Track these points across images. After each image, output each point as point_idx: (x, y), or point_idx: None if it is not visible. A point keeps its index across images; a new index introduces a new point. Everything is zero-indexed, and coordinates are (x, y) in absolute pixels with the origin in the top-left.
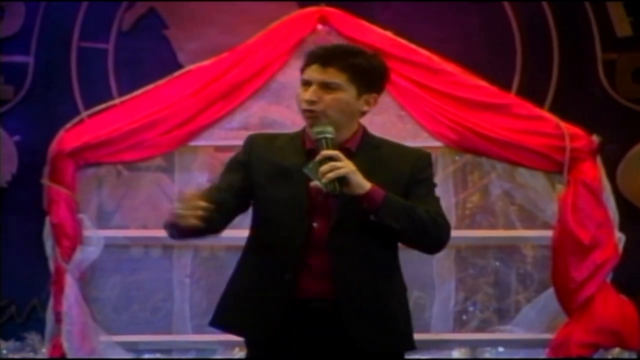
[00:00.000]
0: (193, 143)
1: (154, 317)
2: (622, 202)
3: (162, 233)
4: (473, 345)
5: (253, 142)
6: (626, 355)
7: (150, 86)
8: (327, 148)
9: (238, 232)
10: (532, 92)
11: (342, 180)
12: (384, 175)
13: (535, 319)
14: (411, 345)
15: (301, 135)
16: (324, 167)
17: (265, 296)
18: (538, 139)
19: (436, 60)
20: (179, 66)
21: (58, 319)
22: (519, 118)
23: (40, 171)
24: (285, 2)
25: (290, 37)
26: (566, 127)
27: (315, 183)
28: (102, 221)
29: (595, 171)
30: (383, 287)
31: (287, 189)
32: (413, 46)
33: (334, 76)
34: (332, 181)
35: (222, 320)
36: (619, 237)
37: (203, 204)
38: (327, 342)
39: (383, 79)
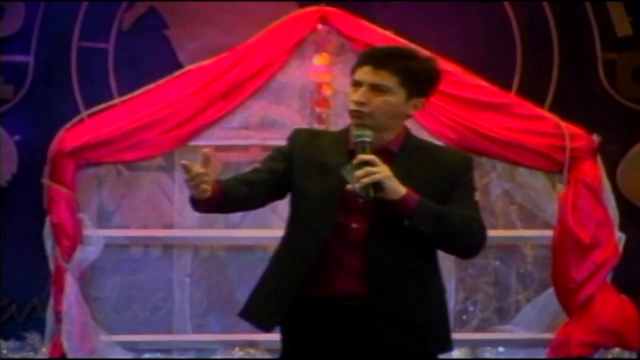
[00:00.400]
0: (193, 143)
1: (154, 316)
2: (622, 201)
3: (162, 233)
4: (473, 345)
5: (297, 137)
6: (626, 355)
7: (151, 86)
8: (365, 152)
9: (238, 232)
10: (532, 91)
11: (377, 185)
12: (423, 177)
13: (536, 319)
14: (448, 347)
15: (345, 134)
16: (359, 172)
17: (279, 287)
18: (538, 139)
19: (436, 60)
20: (179, 66)
21: (58, 319)
22: (519, 118)
23: (41, 171)
24: (286, 2)
25: (290, 37)
26: (566, 126)
27: (351, 186)
28: (102, 221)
29: (596, 171)
30: (417, 289)
31: (323, 186)
32: (413, 46)
33: (386, 79)
34: (367, 186)
35: (245, 311)
36: (619, 237)
37: (202, 170)
38: (357, 340)
39: (434, 84)
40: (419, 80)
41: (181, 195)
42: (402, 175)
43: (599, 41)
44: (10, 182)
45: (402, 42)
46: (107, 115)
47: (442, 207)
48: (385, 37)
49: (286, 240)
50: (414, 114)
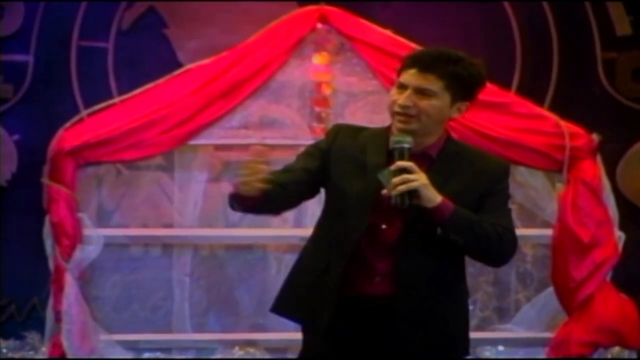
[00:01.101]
0: (193, 142)
1: (153, 316)
2: (622, 200)
3: (162, 232)
4: (473, 344)
5: (338, 132)
6: (626, 354)
7: (150, 85)
8: (403, 158)
9: (237, 231)
10: (532, 90)
11: (413, 193)
12: (459, 183)
13: (535, 318)
14: (466, 350)
15: (386, 133)
16: (396, 179)
17: (317, 287)
18: (538, 138)
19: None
20: (179, 65)
21: (58, 318)
22: (518, 117)
23: (40, 170)
24: (285, 1)
25: (289, 36)
26: (566, 125)
27: (386, 191)
28: (102, 220)
29: (595, 170)
30: (443, 293)
31: (359, 185)
32: (413, 45)
33: (431, 83)
34: (402, 194)
35: (280, 306)
36: (619, 236)
37: (263, 166)
38: (380, 341)
39: (479, 88)
40: (465, 85)
41: (181, 194)
42: (438, 180)
43: (599, 40)
44: (10, 182)
45: (402, 41)
46: (107, 115)
47: (475, 217)
48: (384, 36)
49: (319, 235)
50: (457, 117)
